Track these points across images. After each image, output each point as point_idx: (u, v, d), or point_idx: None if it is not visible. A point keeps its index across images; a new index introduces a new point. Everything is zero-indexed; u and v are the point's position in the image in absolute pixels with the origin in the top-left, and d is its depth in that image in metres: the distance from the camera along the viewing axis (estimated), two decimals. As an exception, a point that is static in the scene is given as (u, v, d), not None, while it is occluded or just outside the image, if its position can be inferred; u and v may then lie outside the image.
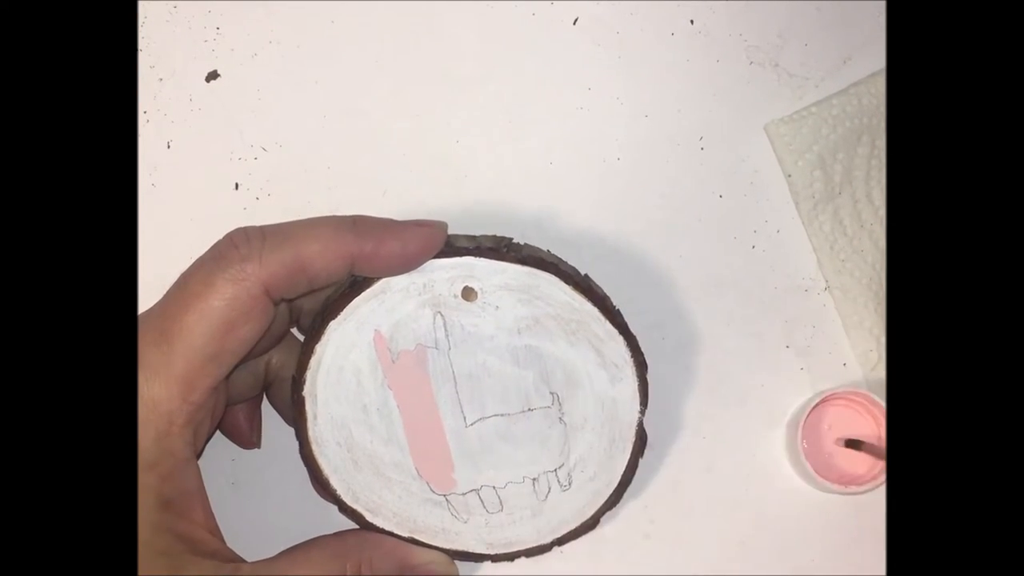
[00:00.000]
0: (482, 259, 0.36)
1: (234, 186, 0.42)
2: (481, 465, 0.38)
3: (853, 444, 0.41)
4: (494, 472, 0.38)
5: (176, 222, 0.41)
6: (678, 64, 0.43)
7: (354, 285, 0.36)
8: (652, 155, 0.43)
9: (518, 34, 0.42)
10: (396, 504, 0.38)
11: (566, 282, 0.37)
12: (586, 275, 0.38)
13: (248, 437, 0.40)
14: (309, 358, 0.37)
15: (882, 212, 0.43)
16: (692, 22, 0.43)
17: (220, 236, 0.35)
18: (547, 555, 0.39)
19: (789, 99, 0.43)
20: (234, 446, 0.41)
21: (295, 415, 0.37)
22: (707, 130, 0.43)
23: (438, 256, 0.36)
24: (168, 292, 0.35)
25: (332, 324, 0.36)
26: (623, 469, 0.38)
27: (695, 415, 0.42)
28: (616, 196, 0.42)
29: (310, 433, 0.37)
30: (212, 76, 0.42)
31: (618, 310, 0.38)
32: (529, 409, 0.38)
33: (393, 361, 0.37)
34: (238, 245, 0.34)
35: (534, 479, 0.38)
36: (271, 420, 0.41)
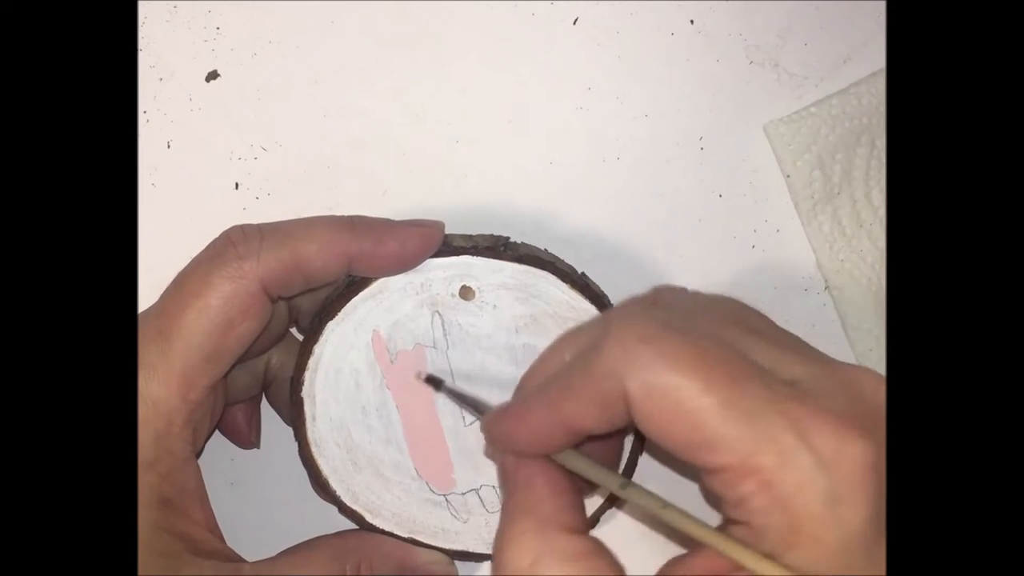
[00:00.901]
0: (479, 258, 0.36)
1: (234, 186, 0.42)
2: (480, 465, 0.38)
3: None
4: (493, 471, 0.38)
5: (176, 222, 0.41)
6: (678, 64, 0.43)
7: (351, 285, 0.36)
8: (652, 155, 0.43)
9: (518, 34, 0.42)
10: (396, 504, 0.38)
11: (563, 280, 0.37)
12: (583, 273, 0.38)
13: (247, 437, 0.40)
14: (307, 359, 0.37)
15: (881, 212, 0.43)
16: (692, 22, 0.43)
17: (219, 235, 0.35)
18: (547, 555, 0.39)
19: (789, 99, 0.43)
20: (234, 446, 0.41)
21: (294, 416, 0.37)
22: (707, 130, 0.43)
23: (435, 255, 0.36)
24: (166, 291, 0.35)
25: (330, 325, 0.36)
26: (622, 468, 0.38)
27: (695, 415, 0.42)
28: (616, 196, 0.42)
29: (309, 435, 0.37)
30: (212, 76, 0.42)
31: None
32: (528, 408, 0.38)
33: (391, 361, 0.37)
34: (236, 243, 0.34)
35: (534, 479, 0.38)
36: (270, 420, 0.41)
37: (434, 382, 0.37)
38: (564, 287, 0.37)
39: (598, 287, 0.38)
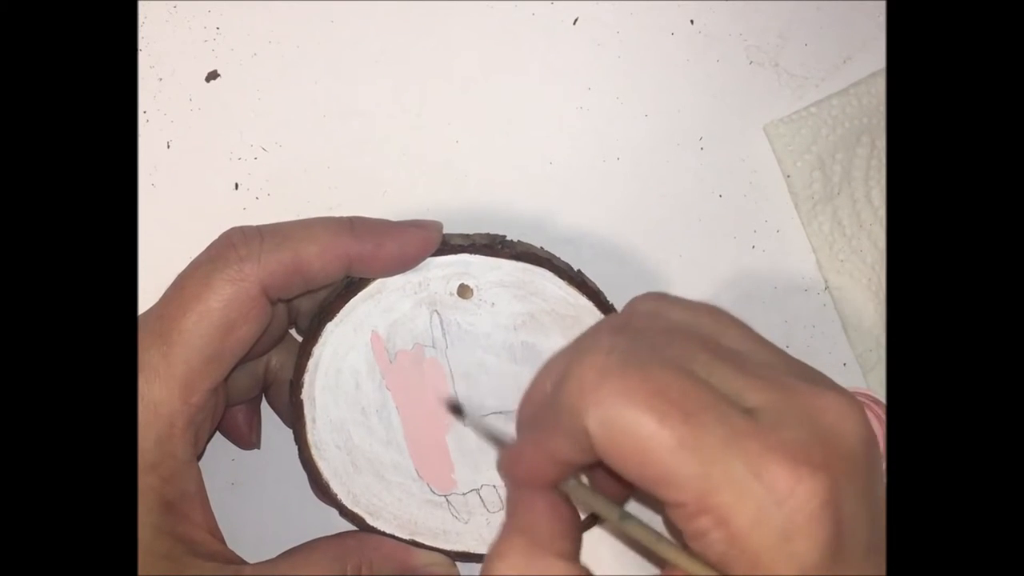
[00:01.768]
0: (477, 256, 0.36)
1: (234, 186, 0.42)
2: (481, 464, 0.38)
3: None
4: (494, 471, 0.38)
5: (176, 222, 0.41)
6: (678, 64, 0.43)
7: (350, 286, 0.36)
8: (652, 155, 0.43)
9: (518, 34, 0.42)
10: (396, 506, 0.38)
11: (560, 277, 0.37)
12: (579, 270, 0.38)
13: (247, 438, 0.40)
14: (307, 361, 0.37)
15: (881, 212, 0.43)
16: (692, 22, 0.43)
17: (219, 236, 0.35)
18: (547, 555, 0.39)
19: (789, 99, 0.43)
20: (234, 447, 0.41)
21: (293, 419, 0.37)
22: (707, 130, 0.43)
23: (433, 254, 0.36)
24: (165, 293, 0.35)
25: (329, 326, 0.36)
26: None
27: (695, 415, 0.42)
28: (616, 196, 0.42)
29: (309, 437, 0.37)
30: (212, 76, 0.42)
31: (612, 305, 0.38)
32: (528, 407, 0.38)
33: (391, 362, 0.37)
34: (236, 245, 0.34)
35: (534, 478, 0.38)
36: (270, 421, 0.41)
37: (456, 411, 0.37)
38: (561, 283, 0.37)
39: (594, 284, 0.38)
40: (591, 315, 0.37)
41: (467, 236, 0.37)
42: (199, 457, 0.36)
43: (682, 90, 0.43)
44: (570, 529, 0.32)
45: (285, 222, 0.35)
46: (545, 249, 0.38)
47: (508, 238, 0.38)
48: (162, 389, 0.33)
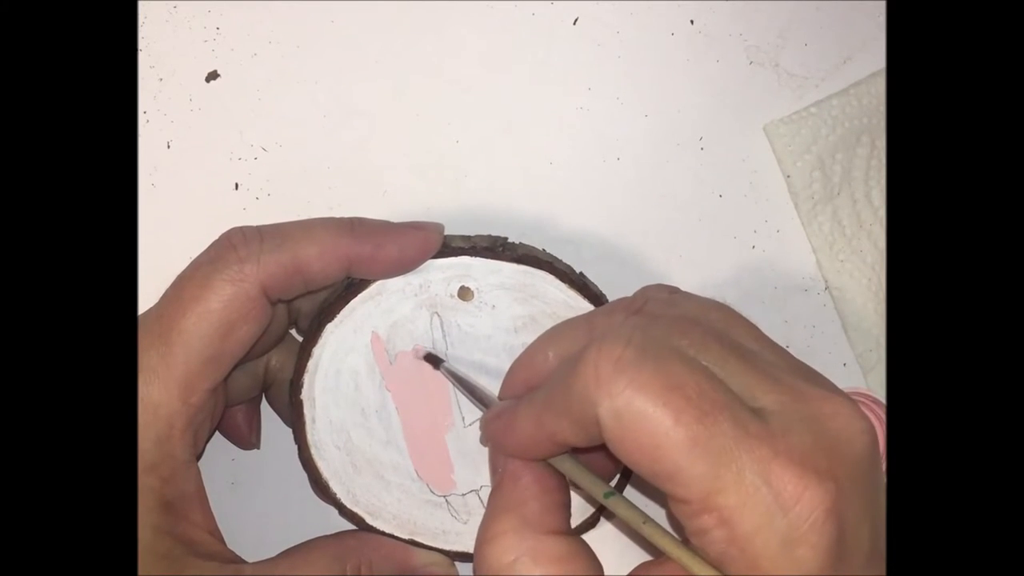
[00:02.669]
0: (478, 259, 0.36)
1: (234, 186, 0.42)
2: (480, 465, 0.38)
3: None
4: (492, 471, 0.38)
5: (176, 222, 0.41)
6: (678, 64, 0.43)
7: (350, 287, 0.36)
8: (652, 155, 0.43)
9: (518, 34, 0.42)
10: (396, 506, 0.38)
11: (561, 280, 0.37)
12: (581, 273, 0.38)
13: (247, 438, 0.40)
14: (306, 362, 0.37)
15: (881, 212, 0.43)
16: (692, 22, 0.43)
17: (219, 237, 0.35)
18: (547, 555, 0.39)
19: (789, 99, 0.43)
20: (234, 447, 0.41)
21: (293, 419, 0.37)
22: (707, 130, 0.43)
23: (434, 256, 0.36)
24: (165, 293, 0.35)
25: (329, 327, 0.36)
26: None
27: (695, 415, 0.42)
28: (616, 196, 0.42)
29: (309, 437, 0.37)
30: (212, 76, 0.42)
31: None
32: (528, 408, 0.37)
33: (391, 363, 0.37)
34: (236, 246, 0.34)
35: (534, 479, 0.38)
36: (270, 420, 0.41)
37: (433, 360, 0.37)
38: (562, 287, 0.37)
39: (596, 286, 0.38)
40: None
41: (468, 238, 0.37)
42: (199, 457, 0.36)
43: (682, 90, 0.43)
44: (560, 502, 0.32)
45: (285, 223, 0.35)
46: (547, 251, 0.38)
47: (509, 240, 0.38)
48: (161, 390, 0.33)
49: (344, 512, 0.39)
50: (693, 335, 0.30)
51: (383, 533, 0.38)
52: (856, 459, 0.28)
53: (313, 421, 0.37)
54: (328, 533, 0.38)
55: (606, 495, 0.31)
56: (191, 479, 0.35)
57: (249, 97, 0.42)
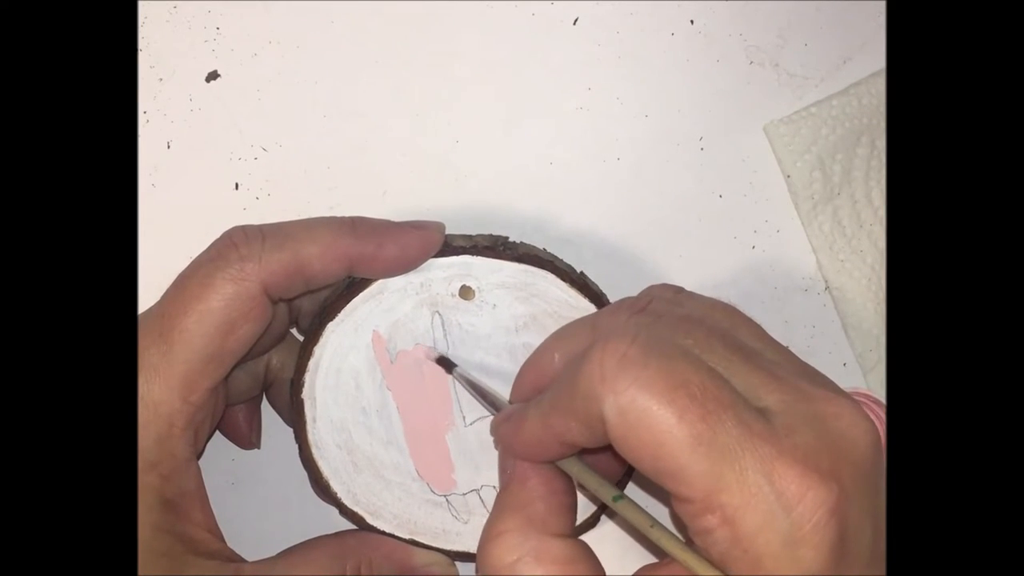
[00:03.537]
0: (479, 258, 0.36)
1: (234, 186, 0.42)
2: (481, 465, 0.38)
3: None
4: (494, 472, 0.38)
5: (176, 222, 0.41)
6: (678, 64, 0.43)
7: (351, 286, 0.36)
8: (652, 155, 0.43)
9: (518, 34, 0.42)
10: (396, 506, 0.38)
11: (562, 279, 0.37)
12: (582, 272, 0.38)
13: (247, 437, 0.40)
14: (307, 361, 0.37)
15: (881, 213, 0.43)
16: (692, 22, 0.43)
17: (220, 236, 0.35)
18: (547, 555, 0.39)
19: (789, 99, 0.43)
20: (234, 446, 0.41)
21: (294, 418, 0.37)
22: (707, 130, 0.43)
23: (435, 256, 0.36)
24: (166, 292, 0.35)
25: (330, 326, 0.36)
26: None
27: (695, 415, 0.42)
28: (616, 196, 0.42)
29: (309, 436, 0.37)
30: (212, 76, 0.42)
31: None
32: (528, 408, 0.38)
33: (391, 362, 0.37)
34: (237, 245, 0.34)
35: (534, 479, 0.38)
36: (271, 420, 0.41)
37: (445, 364, 0.37)
38: (563, 286, 0.37)
39: (597, 286, 0.38)
40: None
41: (469, 237, 0.37)
42: (199, 456, 0.36)
43: (682, 90, 0.43)
44: (566, 505, 0.32)
45: (287, 222, 0.35)
46: (548, 251, 0.38)
47: (510, 239, 0.38)
48: (162, 388, 0.33)
49: (344, 511, 0.39)
50: (697, 334, 0.30)
51: (383, 533, 0.38)
52: (859, 460, 0.28)
53: (314, 420, 0.37)
54: (328, 532, 0.38)
55: (615, 498, 0.31)
56: (191, 477, 0.35)
57: (249, 97, 0.42)
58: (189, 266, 0.35)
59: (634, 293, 0.35)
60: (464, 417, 0.38)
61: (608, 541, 0.42)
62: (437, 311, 0.37)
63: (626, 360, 0.28)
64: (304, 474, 0.39)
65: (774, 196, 0.43)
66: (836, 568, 0.27)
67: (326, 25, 0.42)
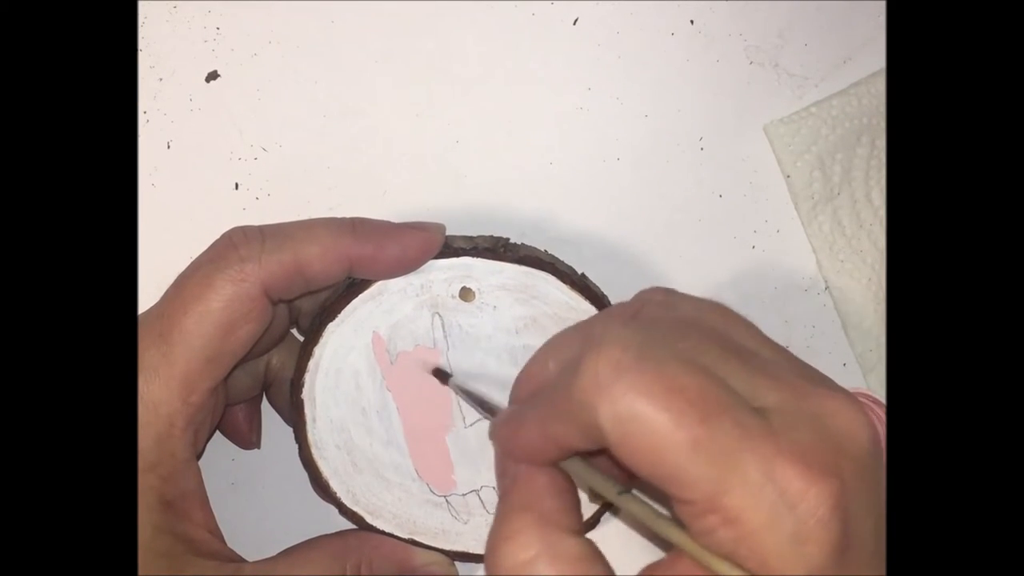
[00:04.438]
0: (479, 259, 0.36)
1: (234, 186, 0.42)
2: (481, 466, 0.38)
3: None
4: (494, 472, 0.38)
5: (176, 222, 0.41)
6: (678, 64, 0.43)
7: (351, 287, 0.36)
8: (652, 155, 0.43)
9: (518, 34, 0.42)
10: (396, 506, 0.38)
11: (563, 281, 0.37)
12: (583, 274, 0.38)
13: (248, 437, 0.40)
14: (307, 361, 0.37)
15: (881, 213, 0.43)
16: (692, 22, 0.43)
17: (220, 236, 0.35)
18: (547, 555, 0.39)
19: (789, 99, 0.43)
20: (234, 446, 0.41)
21: (294, 418, 0.37)
22: (707, 130, 0.43)
23: (435, 257, 0.36)
24: (166, 293, 0.35)
25: (330, 327, 0.36)
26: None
27: (695, 415, 0.42)
28: (616, 196, 0.42)
29: (309, 436, 0.37)
30: (212, 76, 0.42)
31: None
32: (528, 409, 0.37)
33: (391, 363, 0.37)
34: (237, 245, 0.34)
35: (534, 479, 0.38)
36: (271, 420, 0.41)
37: (441, 375, 0.37)
38: (564, 288, 0.37)
39: (598, 288, 0.38)
40: None
41: (470, 239, 0.37)
42: (199, 456, 0.36)
43: (682, 90, 0.43)
44: (573, 504, 0.32)
45: (287, 223, 0.35)
46: (548, 252, 0.38)
47: (511, 241, 0.38)
48: (162, 389, 0.33)
49: (344, 511, 0.39)
50: (692, 337, 0.30)
51: (383, 532, 0.38)
52: (859, 455, 0.28)
53: (314, 420, 0.37)
54: (328, 532, 0.38)
55: (619, 493, 0.31)
56: (191, 478, 0.35)
57: (249, 97, 0.42)
58: (189, 267, 0.35)
59: (633, 292, 0.35)
60: (464, 418, 0.38)
61: (607, 541, 0.42)
62: (437, 312, 0.37)
63: (621, 367, 0.28)
64: (304, 474, 0.39)
65: (774, 196, 0.43)
66: (840, 563, 0.27)
67: (326, 25, 0.42)
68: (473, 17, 0.42)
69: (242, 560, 0.36)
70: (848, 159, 0.43)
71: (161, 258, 0.37)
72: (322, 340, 0.36)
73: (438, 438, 0.38)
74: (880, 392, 0.42)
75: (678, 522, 0.29)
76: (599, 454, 0.31)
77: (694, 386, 0.28)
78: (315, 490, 0.40)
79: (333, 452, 0.38)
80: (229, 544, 0.36)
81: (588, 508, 0.39)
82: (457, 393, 0.37)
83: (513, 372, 0.37)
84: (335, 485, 0.38)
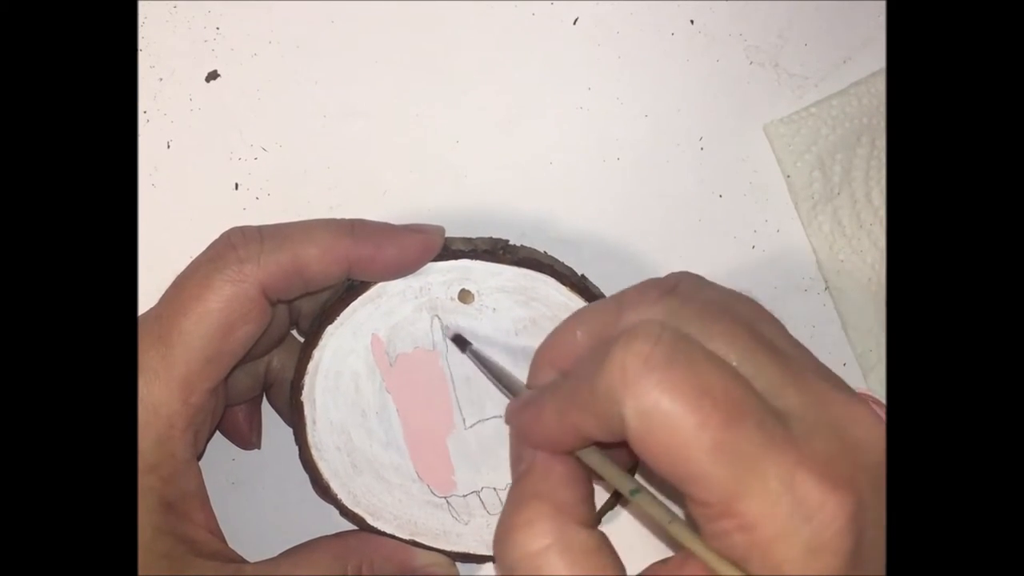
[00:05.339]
0: (478, 261, 0.36)
1: (234, 186, 0.42)
2: (481, 467, 0.38)
3: None
4: (494, 474, 0.38)
5: (176, 222, 0.41)
6: (678, 64, 0.43)
7: (351, 289, 0.36)
8: (652, 155, 0.43)
9: (518, 34, 0.42)
10: (397, 507, 0.38)
11: (562, 283, 0.37)
12: (582, 275, 0.38)
13: (248, 438, 0.40)
14: (307, 363, 0.37)
15: (881, 212, 0.43)
16: (692, 22, 0.43)
17: (218, 237, 0.35)
18: (547, 555, 0.39)
19: (789, 99, 0.43)
20: (235, 447, 0.41)
21: (294, 420, 0.37)
22: (707, 130, 0.43)
23: (434, 259, 0.36)
24: (165, 293, 0.35)
25: (329, 329, 0.36)
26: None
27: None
28: (616, 196, 0.42)
29: (309, 438, 0.37)
30: (212, 76, 0.42)
31: None
32: (528, 410, 0.37)
33: (391, 365, 0.37)
34: (236, 246, 0.34)
35: (534, 479, 0.38)
36: (271, 420, 0.41)
37: (460, 342, 0.37)
38: (563, 289, 0.37)
39: (597, 289, 0.38)
40: None
41: (469, 240, 0.37)
42: (199, 457, 0.36)
43: (682, 90, 0.43)
44: (588, 495, 0.31)
45: (286, 223, 0.35)
46: (548, 254, 0.38)
47: (511, 243, 0.38)
48: (162, 390, 0.33)
49: (345, 513, 0.39)
50: (724, 322, 0.30)
51: (384, 534, 0.38)
52: (874, 466, 0.28)
53: (313, 422, 0.37)
54: (329, 533, 0.38)
55: (632, 492, 0.31)
56: (192, 479, 0.35)
57: (249, 97, 0.42)
58: (187, 267, 0.35)
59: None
60: (464, 420, 0.38)
61: (616, 536, 0.42)
62: (436, 314, 0.37)
63: (649, 363, 0.28)
64: (304, 475, 0.39)
65: (774, 196, 0.43)
66: (852, 572, 0.27)
67: (326, 25, 0.42)
68: (473, 17, 0.42)
69: (243, 561, 0.36)
70: (848, 159, 0.43)
71: (161, 258, 0.37)
72: (321, 342, 0.36)
73: (438, 440, 0.38)
74: (880, 392, 0.42)
75: (691, 522, 0.29)
76: (616, 446, 0.30)
77: (721, 387, 0.28)
78: (316, 491, 0.40)
79: (333, 454, 0.38)
80: (230, 544, 0.36)
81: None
82: (475, 363, 0.37)
83: (513, 373, 0.37)
84: (335, 487, 0.38)
